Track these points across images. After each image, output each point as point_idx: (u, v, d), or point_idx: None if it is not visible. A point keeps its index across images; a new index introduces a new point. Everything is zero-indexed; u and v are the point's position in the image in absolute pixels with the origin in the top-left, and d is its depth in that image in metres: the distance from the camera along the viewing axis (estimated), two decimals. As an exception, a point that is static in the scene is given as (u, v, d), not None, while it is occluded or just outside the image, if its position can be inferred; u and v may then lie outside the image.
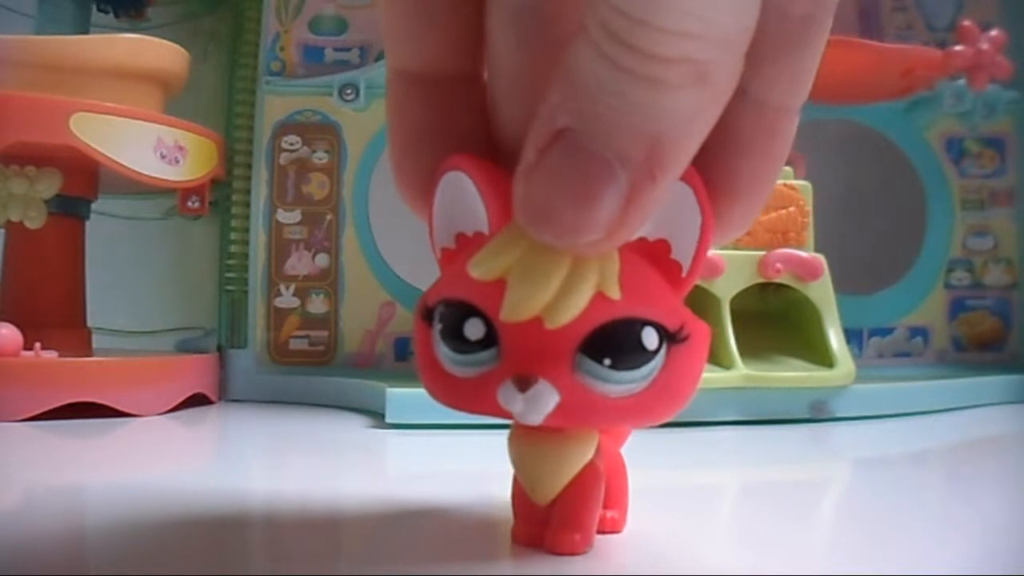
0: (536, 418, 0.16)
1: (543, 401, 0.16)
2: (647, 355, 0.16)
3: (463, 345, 0.17)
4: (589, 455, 0.18)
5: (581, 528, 0.18)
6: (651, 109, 0.14)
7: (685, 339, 0.17)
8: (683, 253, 0.17)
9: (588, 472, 0.18)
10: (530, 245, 0.15)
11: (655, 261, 0.17)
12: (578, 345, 0.16)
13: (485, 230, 0.17)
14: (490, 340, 0.16)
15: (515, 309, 0.16)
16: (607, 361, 0.16)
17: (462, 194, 0.17)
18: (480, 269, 0.16)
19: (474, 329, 0.16)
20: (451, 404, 0.17)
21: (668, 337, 0.16)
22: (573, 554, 0.18)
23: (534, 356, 0.16)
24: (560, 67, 0.14)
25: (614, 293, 0.16)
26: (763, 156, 0.17)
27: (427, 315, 0.17)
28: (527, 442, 0.18)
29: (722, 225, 0.17)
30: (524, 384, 0.16)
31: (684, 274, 0.17)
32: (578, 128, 0.14)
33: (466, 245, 0.17)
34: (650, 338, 0.16)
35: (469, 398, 0.17)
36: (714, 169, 0.16)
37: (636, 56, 0.13)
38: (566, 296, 0.16)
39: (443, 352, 0.17)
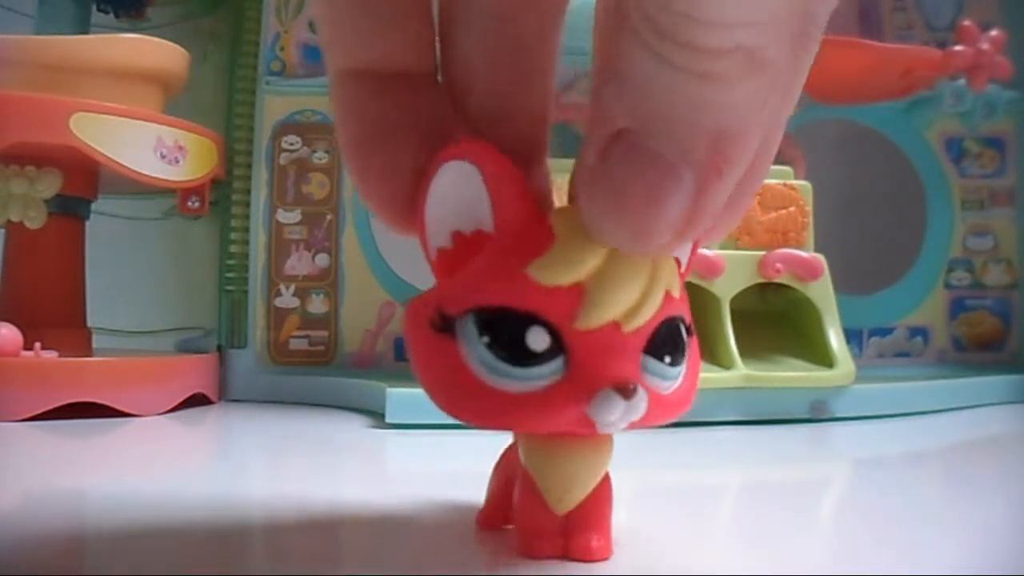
0: (622, 425, 0.16)
1: (640, 407, 0.15)
2: (685, 348, 0.17)
3: (524, 358, 0.15)
4: (611, 459, 0.18)
5: (604, 532, 0.18)
6: (710, 105, 0.13)
7: (693, 332, 0.17)
8: (680, 250, 0.17)
9: (604, 477, 0.18)
10: (608, 249, 0.15)
11: None
12: (644, 346, 0.16)
13: (487, 227, 0.16)
14: (554, 349, 0.15)
15: (597, 315, 0.15)
16: (667, 359, 0.16)
17: (464, 186, 0.16)
18: (551, 275, 0.15)
19: (539, 339, 0.15)
20: (502, 424, 0.16)
21: (687, 330, 0.17)
22: (602, 559, 0.18)
23: (618, 361, 0.15)
24: (609, 65, 0.14)
25: (677, 292, 0.16)
26: (750, 167, 0.17)
27: (446, 326, 0.16)
28: (558, 450, 0.17)
29: (704, 235, 0.17)
30: (629, 393, 0.15)
31: (682, 269, 0.17)
32: (637, 128, 0.14)
33: (467, 246, 0.16)
34: (684, 332, 0.17)
35: (534, 414, 0.16)
36: None
37: (687, 52, 0.13)
38: (646, 300, 0.15)
39: (492, 366, 0.15)
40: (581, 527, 0.18)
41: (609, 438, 0.17)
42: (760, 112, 0.14)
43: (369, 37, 0.17)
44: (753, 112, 0.13)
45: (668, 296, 0.16)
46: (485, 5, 0.17)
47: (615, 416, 0.15)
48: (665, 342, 0.16)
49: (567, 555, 0.18)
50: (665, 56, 0.13)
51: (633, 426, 0.16)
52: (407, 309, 0.17)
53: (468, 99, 0.17)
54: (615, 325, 0.15)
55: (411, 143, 0.17)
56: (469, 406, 0.16)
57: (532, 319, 0.15)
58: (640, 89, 0.13)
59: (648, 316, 0.16)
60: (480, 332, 0.16)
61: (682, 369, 0.17)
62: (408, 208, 0.17)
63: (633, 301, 0.15)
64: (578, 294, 0.15)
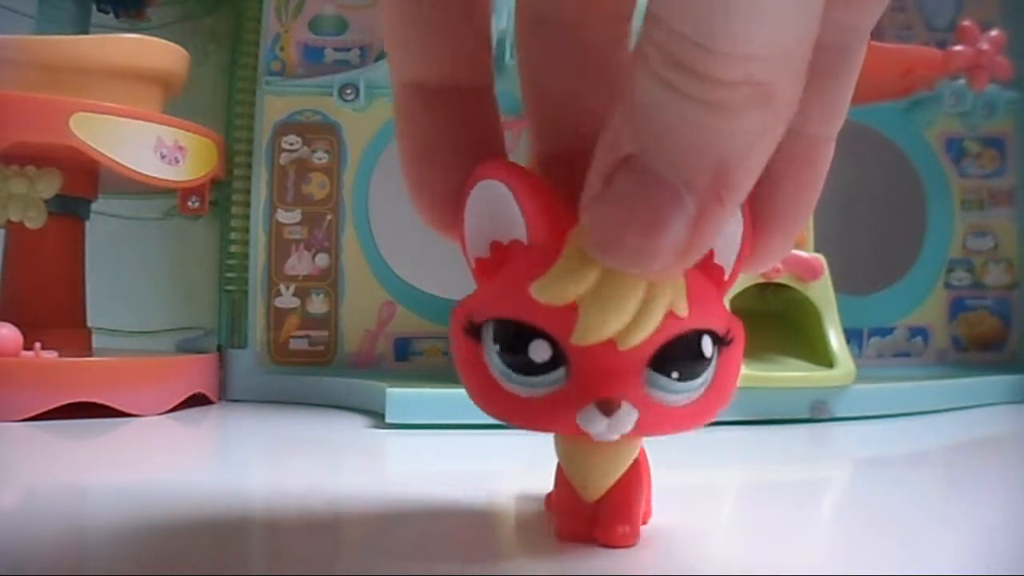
0: (615, 436, 0.16)
1: (626, 422, 0.16)
2: (706, 363, 0.17)
3: (527, 367, 0.17)
4: (636, 452, 0.19)
5: (630, 521, 0.19)
6: (716, 133, 0.13)
7: (732, 341, 0.17)
8: (724, 257, 0.17)
9: (634, 468, 0.19)
10: (603, 270, 0.16)
11: (700, 267, 0.17)
12: (648, 362, 0.16)
13: (522, 238, 0.17)
14: (556, 361, 0.16)
15: (589, 334, 0.16)
16: (675, 375, 0.17)
17: (497, 202, 0.17)
18: (548, 294, 0.16)
19: (540, 351, 0.16)
20: (514, 422, 0.17)
21: (719, 341, 0.17)
22: (624, 546, 0.19)
23: (609, 377, 0.16)
24: (621, 91, 0.14)
25: (683, 311, 0.16)
26: (800, 185, 0.17)
27: (474, 332, 0.17)
28: (578, 442, 0.18)
29: (762, 254, 0.18)
30: (609, 409, 0.16)
31: (726, 277, 0.18)
32: (642, 154, 0.14)
33: (503, 254, 0.17)
34: (707, 346, 0.17)
35: (537, 418, 0.17)
36: (752, 200, 0.16)
37: (698, 81, 0.13)
38: (641, 320, 0.16)
39: (502, 371, 0.17)
40: (608, 515, 0.19)
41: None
42: (762, 142, 0.14)
43: (421, 51, 0.18)
44: (756, 142, 0.14)
45: (671, 315, 0.16)
46: (551, 12, 0.17)
47: (599, 428, 0.16)
48: (673, 359, 0.16)
49: (593, 540, 0.19)
50: (674, 83, 0.13)
51: (638, 434, 0.17)
52: (452, 313, 0.18)
53: (537, 106, 0.18)
54: (611, 343, 0.16)
55: (459, 158, 0.18)
56: (488, 402, 0.17)
57: (535, 332, 0.16)
58: (647, 115, 0.14)
59: (645, 335, 0.16)
60: (494, 340, 0.17)
61: (698, 383, 0.17)
62: (453, 219, 0.18)
63: (625, 322, 0.16)
64: (571, 312, 0.16)
